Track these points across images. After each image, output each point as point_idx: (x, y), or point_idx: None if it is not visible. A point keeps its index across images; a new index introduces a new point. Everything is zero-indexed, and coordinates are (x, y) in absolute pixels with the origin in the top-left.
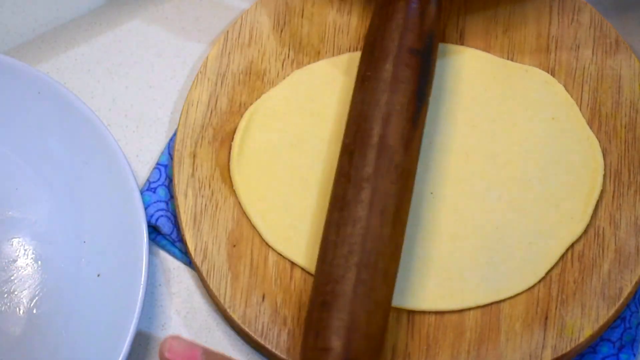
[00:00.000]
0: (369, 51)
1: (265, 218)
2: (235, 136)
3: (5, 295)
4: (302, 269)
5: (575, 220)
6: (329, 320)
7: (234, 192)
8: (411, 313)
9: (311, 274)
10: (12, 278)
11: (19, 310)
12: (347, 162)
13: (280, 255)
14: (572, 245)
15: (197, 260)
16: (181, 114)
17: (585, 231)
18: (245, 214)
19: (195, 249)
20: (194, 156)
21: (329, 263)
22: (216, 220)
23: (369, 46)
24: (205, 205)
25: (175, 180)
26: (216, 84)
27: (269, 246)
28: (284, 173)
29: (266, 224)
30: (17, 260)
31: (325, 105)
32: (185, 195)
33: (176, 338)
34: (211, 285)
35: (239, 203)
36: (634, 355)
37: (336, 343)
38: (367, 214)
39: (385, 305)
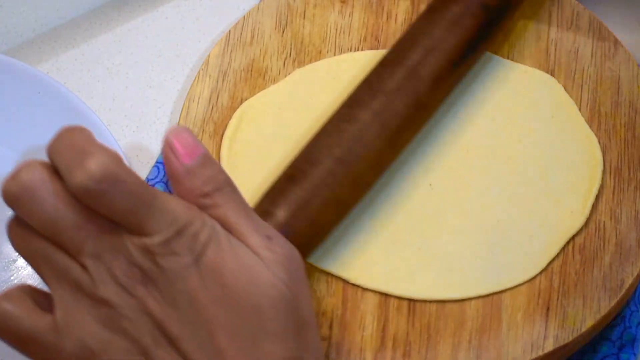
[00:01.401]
0: None
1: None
2: (226, 131)
3: None
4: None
5: (576, 214)
6: (286, 192)
7: None
8: (412, 302)
9: (308, 265)
10: (12, 278)
11: None
12: (376, 72)
13: None
14: (573, 238)
15: None
16: (182, 110)
17: (587, 225)
18: None
19: None
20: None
21: (314, 146)
22: None
23: None
24: None
25: None
26: (217, 81)
27: None
28: (277, 167)
29: None
30: (17, 260)
31: (324, 103)
32: None
33: (187, 130)
34: None
35: None
36: (634, 354)
37: (281, 212)
38: (369, 119)
39: (344, 205)
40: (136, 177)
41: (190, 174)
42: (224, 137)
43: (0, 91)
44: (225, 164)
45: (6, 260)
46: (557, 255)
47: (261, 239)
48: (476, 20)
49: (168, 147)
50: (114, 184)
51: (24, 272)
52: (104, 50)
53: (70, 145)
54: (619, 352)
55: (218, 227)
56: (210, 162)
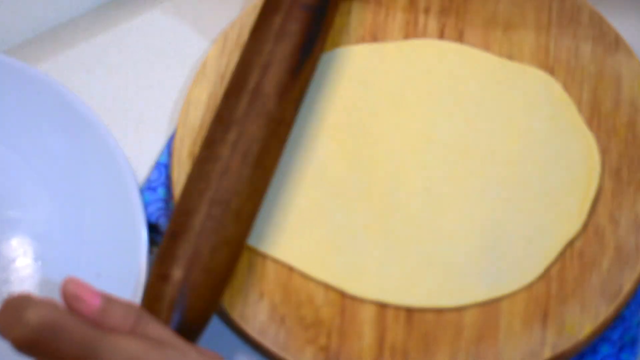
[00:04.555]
0: (264, 4)
1: None
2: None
3: (5, 296)
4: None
5: (573, 217)
6: (174, 250)
7: None
8: (409, 310)
9: (306, 275)
10: (11, 278)
11: None
12: (223, 105)
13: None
14: (571, 243)
15: None
16: (180, 114)
17: (585, 229)
18: None
19: None
20: (194, 156)
21: (186, 196)
22: None
23: (266, 1)
24: None
25: (175, 180)
26: (215, 84)
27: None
28: None
29: None
30: (16, 260)
31: (310, 101)
32: None
33: (77, 279)
34: None
35: None
36: (635, 355)
37: (176, 272)
38: (229, 153)
39: (234, 243)
40: (80, 324)
41: (106, 311)
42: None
43: (0, 91)
44: None
45: (6, 260)
46: (556, 260)
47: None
48: (302, 23)
49: (72, 298)
50: (54, 332)
51: (23, 272)
52: (104, 50)
53: (8, 307)
54: (619, 353)
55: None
56: (111, 298)
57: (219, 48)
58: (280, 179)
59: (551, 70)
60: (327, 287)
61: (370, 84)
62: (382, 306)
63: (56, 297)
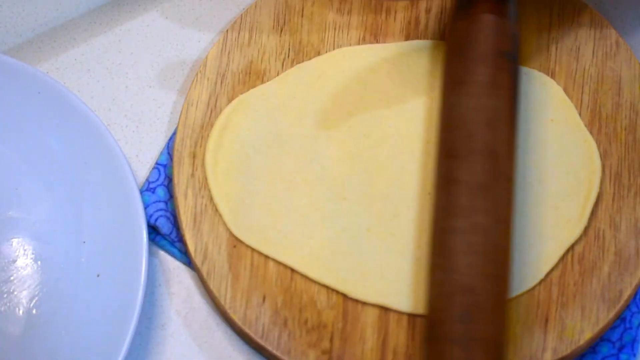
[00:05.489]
0: (458, 53)
1: (237, 215)
2: (209, 139)
3: (5, 296)
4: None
5: (573, 222)
6: (475, 333)
7: None
8: (412, 315)
9: (308, 278)
10: (11, 278)
11: (19, 310)
12: (453, 167)
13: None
14: (572, 247)
15: (198, 260)
16: (181, 114)
17: (585, 233)
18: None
19: (195, 250)
20: (194, 156)
21: (460, 272)
22: (216, 220)
23: (458, 48)
24: (206, 205)
25: (175, 180)
26: (216, 84)
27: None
28: (263, 173)
29: (236, 221)
30: (16, 260)
31: (310, 102)
32: (185, 196)
33: None
34: (211, 286)
35: None
36: (634, 355)
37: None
38: (489, 223)
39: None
40: None
41: None
42: (207, 143)
43: (0, 91)
44: (209, 172)
45: (6, 261)
46: (556, 265)
47: None
48: (507, 71)
49: None
50: None
51: (23, 272)
52: (104, 50)
53: None
54: (618, 353)
55: None
56: None
57: (218, 48)
58: (282, 182)
59: (552, 73)
60: (329, 290)
61: (370, 86)
62: (384, 310)
63: (56, 297)
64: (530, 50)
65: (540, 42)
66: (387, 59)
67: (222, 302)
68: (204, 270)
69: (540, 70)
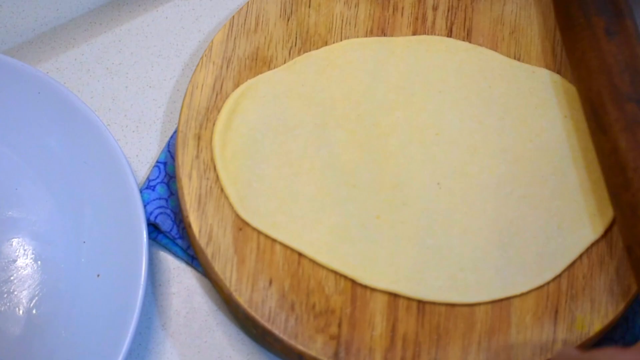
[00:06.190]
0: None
1: (244, 198)
2: (217, 121)
3: (5, 295)
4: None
5: (597, 217)
6: None
7: None
8: (421, 302)
9: (313, 260)
10: (11, 278)
11: (19, 310)
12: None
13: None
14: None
15: (202, 242)
16: (185, 96)
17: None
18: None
19: (200, 231)
20: (199, 138)
21: None
22: (222, 202)
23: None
24: (211, 187)
25: (179, 162)
26: (222, 68)
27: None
28: (270, 158)
29: (243, 204)
30: (16, 260)
31: (318, 90)
32: (190, 177)
33: None
34: (216, 268)
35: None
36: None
37: None
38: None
39: None
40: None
41: None
42: (214, 129)
43: (0, 91)
44: (217, 157)
45: (6, 260)
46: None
47: None
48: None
49: None
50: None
51: (23, 272)
52: (104, 50)
53: None
54: None
55: None
56: None
57: (224, 33)
58: (291, 168)
59: (558, 74)
60: (338, 275)
61: (379, 76)
62: (393, 296)
63: (56, 297)
64: (536, 51)
65: (545, 43)
66: (395, 52)
67: (227, 284)
68: (208, 252)
69: (548, 69)
